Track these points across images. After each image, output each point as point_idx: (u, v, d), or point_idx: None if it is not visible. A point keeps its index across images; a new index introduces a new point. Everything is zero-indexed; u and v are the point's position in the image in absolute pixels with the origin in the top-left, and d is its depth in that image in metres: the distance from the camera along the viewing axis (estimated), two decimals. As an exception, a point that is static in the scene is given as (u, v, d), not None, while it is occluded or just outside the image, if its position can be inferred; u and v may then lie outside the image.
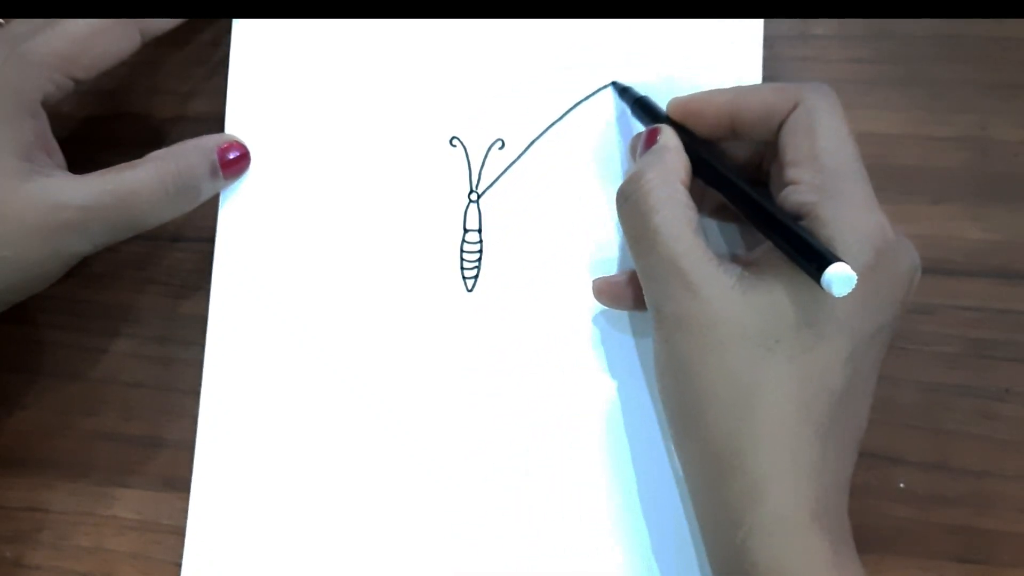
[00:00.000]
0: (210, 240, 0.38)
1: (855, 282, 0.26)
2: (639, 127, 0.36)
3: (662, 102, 0.34)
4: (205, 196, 0.37)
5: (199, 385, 0.38)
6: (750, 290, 0.29)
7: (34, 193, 0.33)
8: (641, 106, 0.35)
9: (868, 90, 0.37)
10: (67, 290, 0.40)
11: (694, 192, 0.32)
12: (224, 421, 0.37)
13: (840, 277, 0.26)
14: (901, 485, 0.36)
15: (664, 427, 0.35)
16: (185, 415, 0.38)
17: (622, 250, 0.36)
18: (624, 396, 0.36)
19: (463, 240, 0.37)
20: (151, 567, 0.38)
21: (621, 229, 0.33)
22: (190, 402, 0.38)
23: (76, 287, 0.40)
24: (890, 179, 0.36)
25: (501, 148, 0.38)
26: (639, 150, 0.34)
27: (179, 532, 0.37)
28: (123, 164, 0.35)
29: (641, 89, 0.36)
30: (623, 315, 0.36)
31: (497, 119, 0.38)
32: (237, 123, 0.39)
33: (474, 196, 0.37)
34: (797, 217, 0.29)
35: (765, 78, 0.36)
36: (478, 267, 0.37)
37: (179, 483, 0.38)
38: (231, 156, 0.38)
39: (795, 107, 0.31)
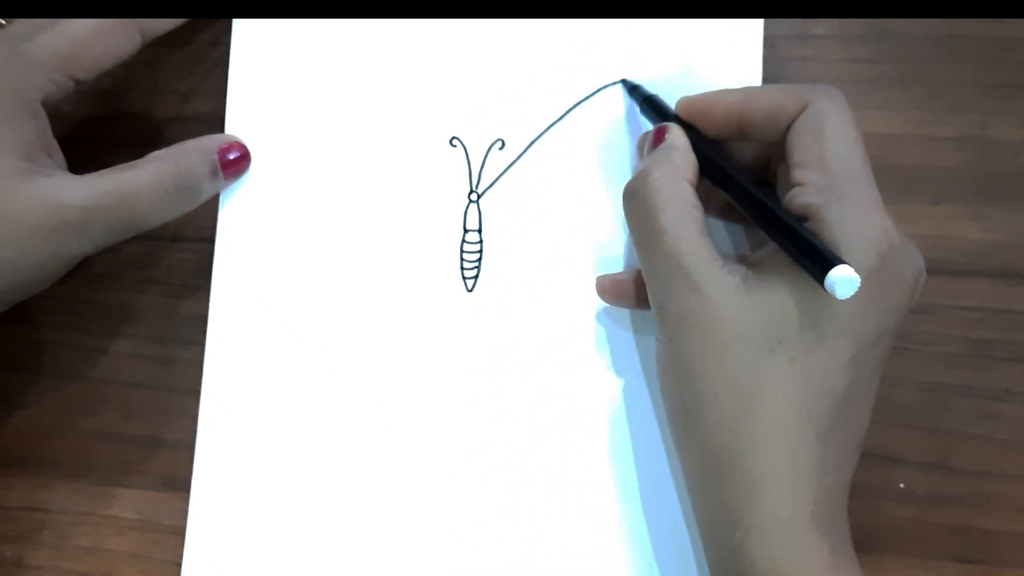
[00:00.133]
0: (210, 240, 0.38)
1: (859, 285, 0.26)
2: (647, 125, 0.36)
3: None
4: (205, 196, 0.37)
5: (199, 385, 0.38)
6: (754, 291, 0.29)
7: (34, 193, 0.33)
8: (650, 104, 0.35)
9: (868, 90, 0.37)
10: (67, 290, 0.40)
11: (700, 191, 0.32)
12: (224, 421, 0.37)
13: (844, 280, 0.26)
14: (901, 485, 0.36)
15: (664, 427, 0.35)
16: (185, 415, 0.38)
17: (623, 249, 0.36)
18: (624, 396, 0.36)
19: (463, 240, 0.37)
20: (151, 567, 0.38)
21: (627, 226, 0.33)
22: (190, 402, 0.38)
23: (76, 287, 0.40)
24: (890, 179, 0.36)
25: (501, 148, 0.38)
26: (647, 148, 0.33)
27: (179, 532, 0.37)
28: (123, 164, 0.35)
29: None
30: (623, 315, 0.36)
31: (497, 119, 0.38)
32: (237, 123, 0.39)
33: (474, 196, 0.37)
34: (802, 219, 0.29)
35: (765, 78, 0.36)
36: (478, 267, 0.37)
37: (179, 483, 0.38)
38: (231, 156, 0.38)
39: (804, 109, 0.31)
